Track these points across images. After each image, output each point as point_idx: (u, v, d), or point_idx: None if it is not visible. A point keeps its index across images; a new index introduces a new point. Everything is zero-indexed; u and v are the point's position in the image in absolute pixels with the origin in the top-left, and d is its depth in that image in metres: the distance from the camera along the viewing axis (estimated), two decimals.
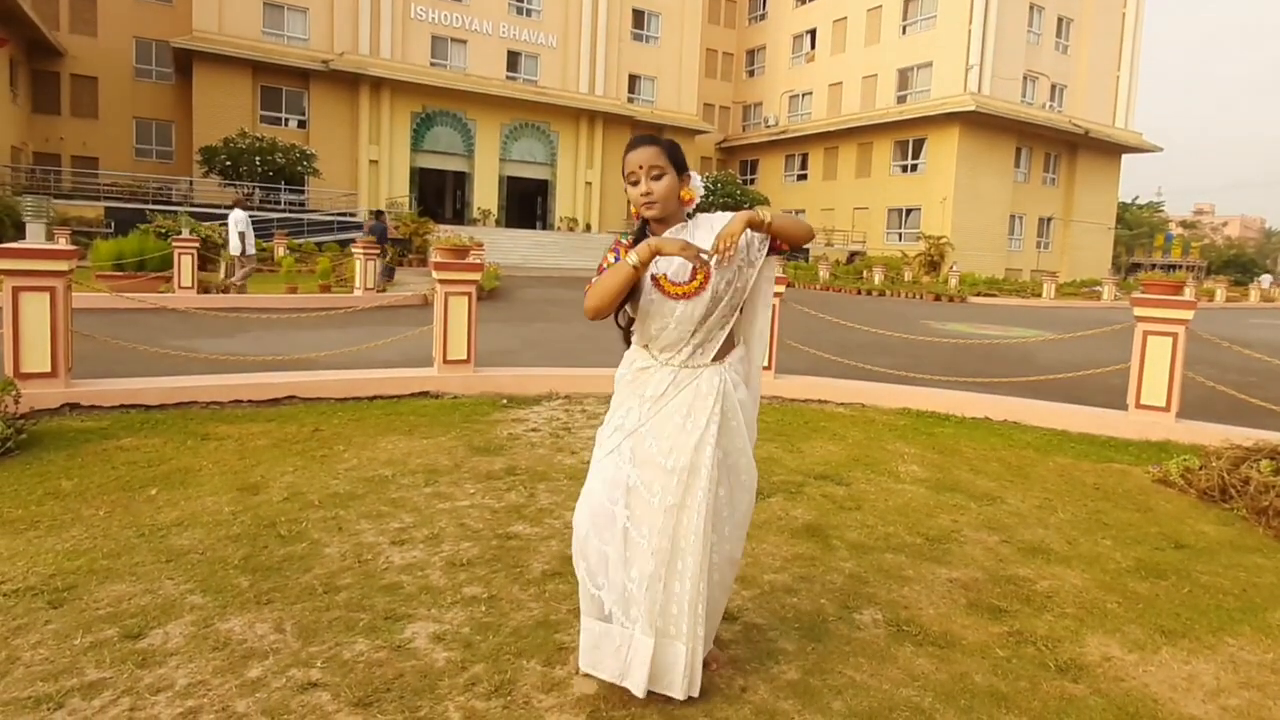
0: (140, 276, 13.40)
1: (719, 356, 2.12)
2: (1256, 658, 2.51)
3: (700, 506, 2.01)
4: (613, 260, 2.08)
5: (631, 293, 2.06)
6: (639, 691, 2.03)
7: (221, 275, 14.62)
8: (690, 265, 2.03)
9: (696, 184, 2.13)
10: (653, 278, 2.06)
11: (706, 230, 2.09)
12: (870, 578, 2.97)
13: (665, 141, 2.12)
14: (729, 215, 2.06)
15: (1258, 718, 2.17)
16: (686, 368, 2.10)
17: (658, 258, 2.01)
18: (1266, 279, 43.02)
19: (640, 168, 2.05)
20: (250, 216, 14.74)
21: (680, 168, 2.09)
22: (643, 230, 2.18)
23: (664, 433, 2.06)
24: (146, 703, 2.00)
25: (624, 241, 2.14)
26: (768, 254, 2.11)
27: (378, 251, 15.77)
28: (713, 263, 1.98)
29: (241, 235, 13.95)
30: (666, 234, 2.11)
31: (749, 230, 2.04)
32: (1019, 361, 9.96)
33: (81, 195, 26.23)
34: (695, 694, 2.06)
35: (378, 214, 20.05)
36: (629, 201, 2.16)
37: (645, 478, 2.04)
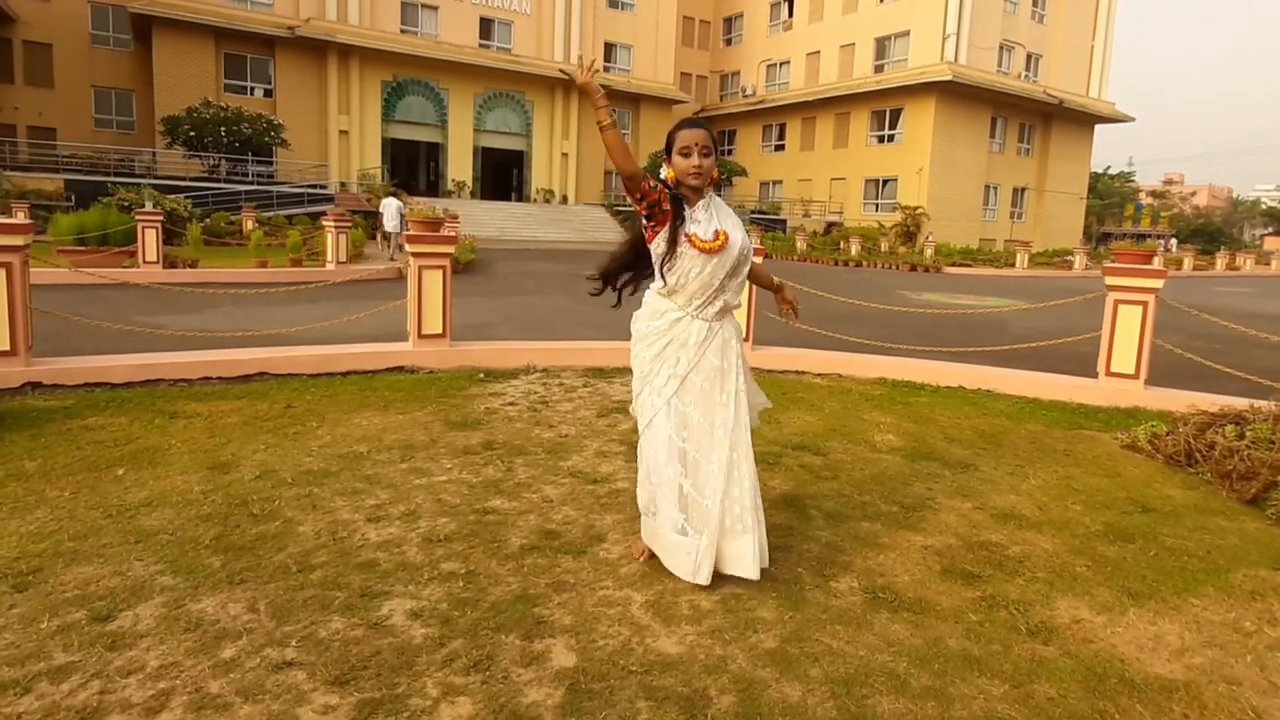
0: (103, 251, 13.08)
1: (730, 311, 2.68)
2: (1220, 617, 2.58)
3: (742, 425, 2.61)
4: (653, 183, 2.54)
5: (670, 250, 2.55)
6: (707, 581, 2.55)
7: (384, 250, 17.92)
8: (713, 227, 2.55)
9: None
10: (686, 235, 2.54)
11: (724, 210, 2.64)
12: (846, 546, 3.00)
13: (710, 128, 2.66)
14: (724, 205, 2.69)
15: (1221, 675, 2.23)
16: (715, 320, 2.62)
17: (689, 220, 2.55)
18: (1174, 242, 45.44)
19: (695, 144, 2.56)
20: (220, 188, 16.30)
21: (717, 151, 2.64)
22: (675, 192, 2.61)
23: (708, 372, 2.60)
24: (117, 685, 1.96)
25: (664, 177, 2.62)
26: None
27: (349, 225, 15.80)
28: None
29: (403, 216, 17.02)
30: (697, 206, 2.61)
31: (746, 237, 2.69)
32: (992, 331, 10.07)
33: (39, 167, 25.38)
34: (766, 566, 2.65)
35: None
36: (681, 172, 2.58)
37: (701, 411, 2.59)
